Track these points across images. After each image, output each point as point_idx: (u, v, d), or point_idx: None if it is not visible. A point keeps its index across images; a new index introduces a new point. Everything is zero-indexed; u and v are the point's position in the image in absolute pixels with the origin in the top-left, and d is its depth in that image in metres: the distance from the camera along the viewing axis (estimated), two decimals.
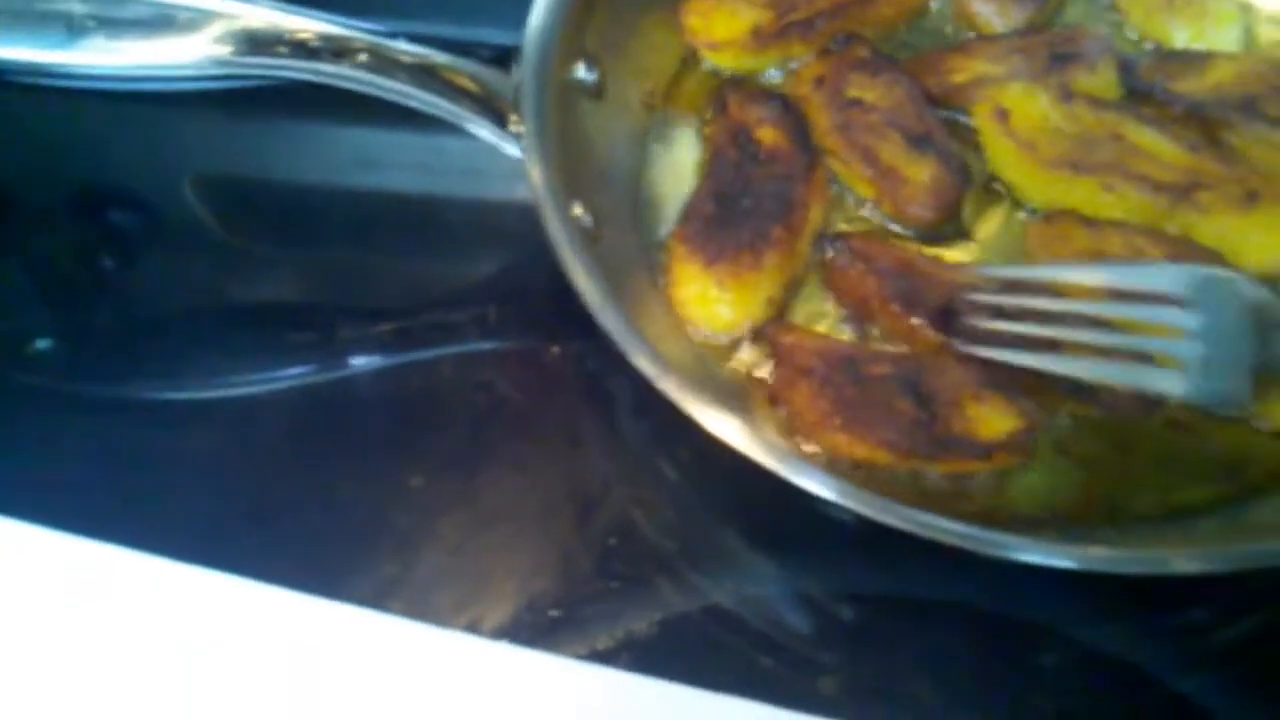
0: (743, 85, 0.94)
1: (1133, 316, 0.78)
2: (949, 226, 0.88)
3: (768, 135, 0.89)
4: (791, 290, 0.86)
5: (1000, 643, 0.78)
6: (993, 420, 0.75)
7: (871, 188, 0.88)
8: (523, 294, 0.92)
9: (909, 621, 0.78)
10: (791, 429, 0.79)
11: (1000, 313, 0.80)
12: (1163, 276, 0.78)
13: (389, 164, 1.01)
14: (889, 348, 0.82)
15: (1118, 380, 0.78)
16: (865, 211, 0.89)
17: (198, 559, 0.79)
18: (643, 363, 0.72)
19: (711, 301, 0.83)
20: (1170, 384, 0.77)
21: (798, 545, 0.80)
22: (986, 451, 0.74)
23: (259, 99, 0.96)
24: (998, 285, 0.82)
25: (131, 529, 0.80)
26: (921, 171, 0.87)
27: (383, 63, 0.84)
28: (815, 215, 0.87)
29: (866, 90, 0.91)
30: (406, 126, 0.86)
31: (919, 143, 0.88)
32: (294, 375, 0.90)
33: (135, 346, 0.93)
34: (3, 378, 0.91)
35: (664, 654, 0.76)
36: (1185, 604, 0.78)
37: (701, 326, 0.83)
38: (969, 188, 0.88)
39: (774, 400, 0.81)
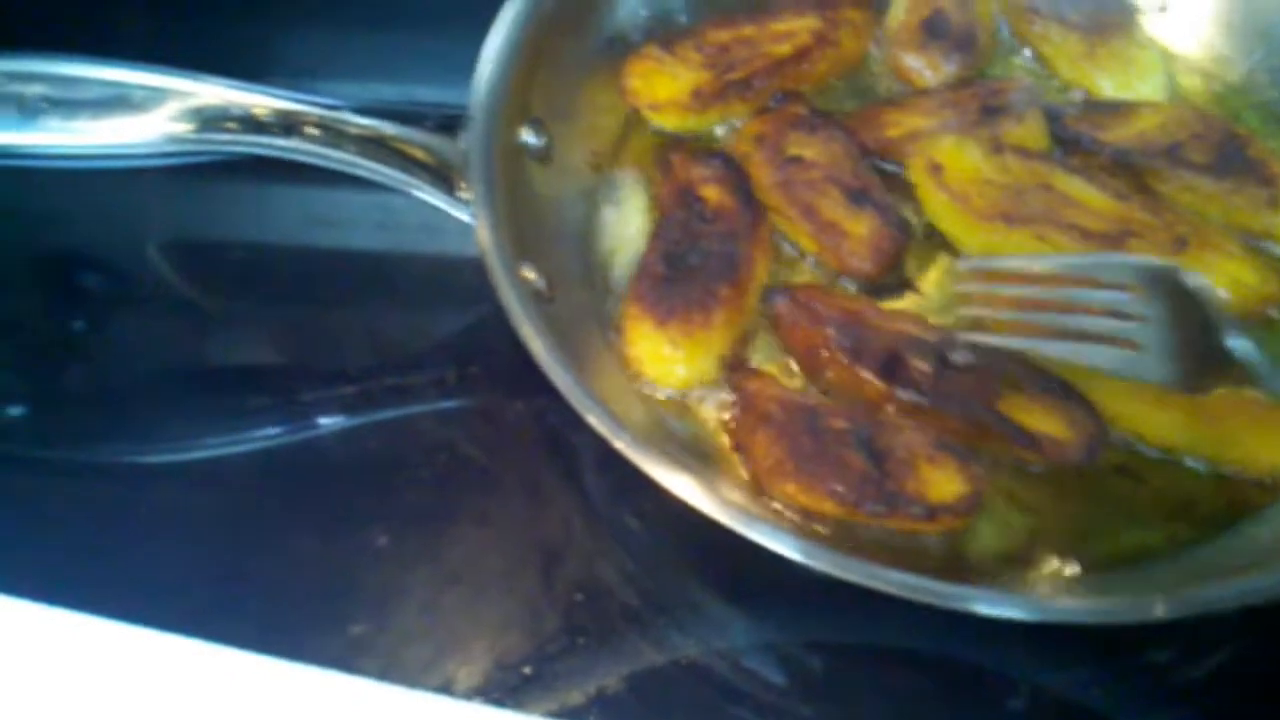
0: (685, 145, 0.97)
1: (1095, 302, 0.81)
2: (891, 278, 0.90)
3: (712, 193, 0.91)
4: (742, 344, 0.87)
5: (968, 691, 0.79)
6: (942, 482, 0.77)
7: (813, 242, 0.90)
8: (482, 352, 0.93)
9: (877, 670, 0.80)
10: (750, 475, 0.81)
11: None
12: (1118, 267, 0.81)
13: (346, 222, 1.03)
14: (837, 398, 0.84)
15: (1086, 361, 0.80)
16: (809, 264, 0.92)
17: (162, 624, 0.79)
18: (597, 422, 0.73)
19: (664, 360, 0.84)
20: (1136, 366, 0.79)
21: (764, 595, 0.81)
22: (931, 513, 0.76)
23: (218, 163, 0.96)
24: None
25: (96, 595, 0.80)
26: (860, 226, 0.89)
27: (332, 135, 0.86)
28: (761, 270, 0.89)
29: (805, 147, 0.93)
30: (361, 186, 0.87)
31: (857, 198, 0.90)
32: (259, 437, 0.91)
33: (103, 411, 0.93)
34: None
35: (636, 709, 0.77)
36: (1146, 645, 0.79)
37: (656, 384, 0.85)
38: (908, 240, 0.90)
39: (734, 445, 0.83)
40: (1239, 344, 0.76)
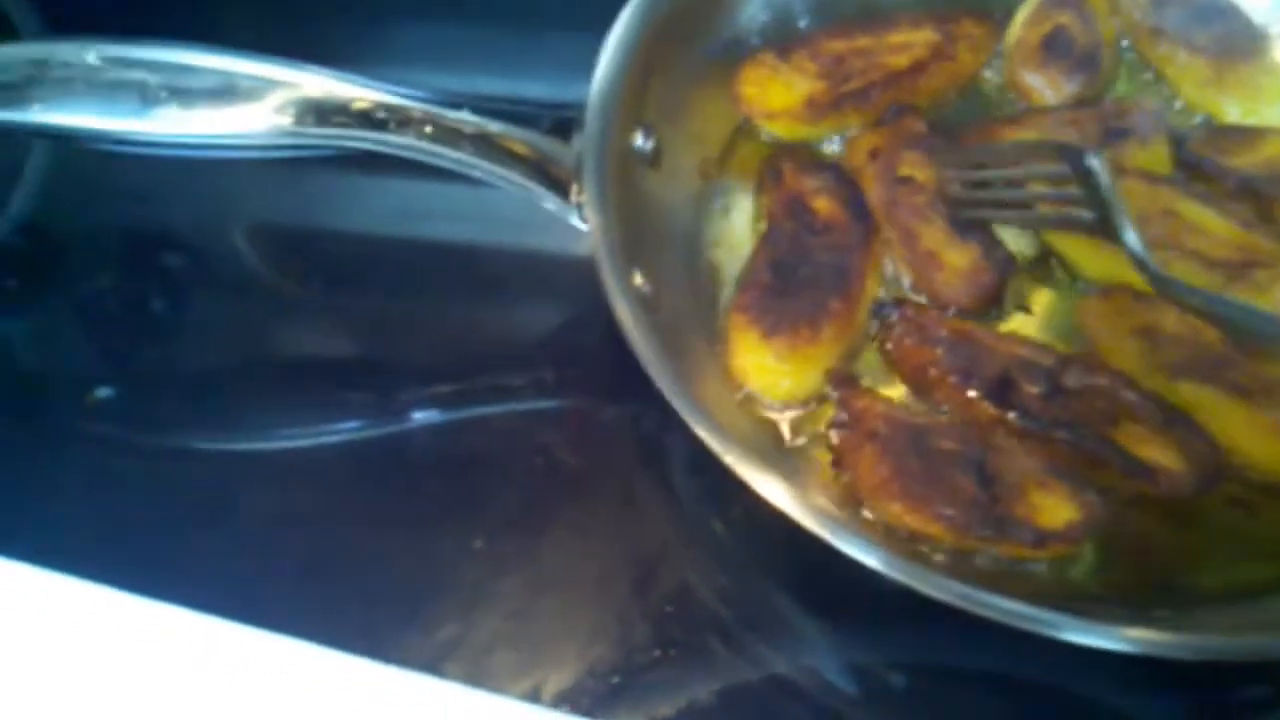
0: (796, 154, 0.95)
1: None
2: (991, 311, 0.88)
3: (823, 205, 0.90)
4: (849, 360, 0.86)
5: (1051, 717, 0.78)
6: (1053, 508, 0.76)
7: (909, 268, 0.89)
8: (578, 353, 0.93)
9: (966, 694, 0.79)
10: (852, 493, 0.80)
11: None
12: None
13: (440, 214, 1.03)
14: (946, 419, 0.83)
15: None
16: (906, 288, 0.90)
17: (251, 618, 0.79)
18: (703, 433, 0.73)
19: (769, 372, 0.83)
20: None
21: (855, 613, 0.80)
22: (1041, 539, 0.75)
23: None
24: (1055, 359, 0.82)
25: (184, 586, 0.81)
26: (960, 258, 0.88)
27: (444, 133, 0.85)
28: (871, 286, 0.88)
29: (918, 168, 0.92)
30: (454, 178, 0.86)
31: (962, 227, 0.89)
32: (350, 430, 0.91)
33: (194, 397, 0.94)
34: (65, 426, 0.93)
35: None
36: (1244, 681, 0.78)
37: (760, 396, 0.84)
38: (1008, 276, 0.88)
39: (837, 462, 0.81)
40: (1130, 237, 0.80)
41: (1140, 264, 0.80)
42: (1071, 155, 0.82)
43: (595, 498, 0.85)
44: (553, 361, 0.93)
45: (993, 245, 0.88)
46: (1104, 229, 0.82)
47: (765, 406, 0.84)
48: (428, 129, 0.85)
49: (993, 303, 0.87)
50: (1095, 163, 0.81)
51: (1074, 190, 0.83)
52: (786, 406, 0.84)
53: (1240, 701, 0.78)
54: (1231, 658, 0.69)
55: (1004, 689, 0.79)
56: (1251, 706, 0.78)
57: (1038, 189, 0.87)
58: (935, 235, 0.88)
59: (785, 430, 0.84)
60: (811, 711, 0.78)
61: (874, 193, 0.91)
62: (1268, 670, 0.76)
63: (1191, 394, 0.80)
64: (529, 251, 1.00)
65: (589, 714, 0.76)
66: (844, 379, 0.84)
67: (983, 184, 0.89)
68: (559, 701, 0.76)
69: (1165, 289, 0.80)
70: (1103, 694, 0.78)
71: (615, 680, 0.77)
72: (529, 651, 0.79)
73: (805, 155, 0.96)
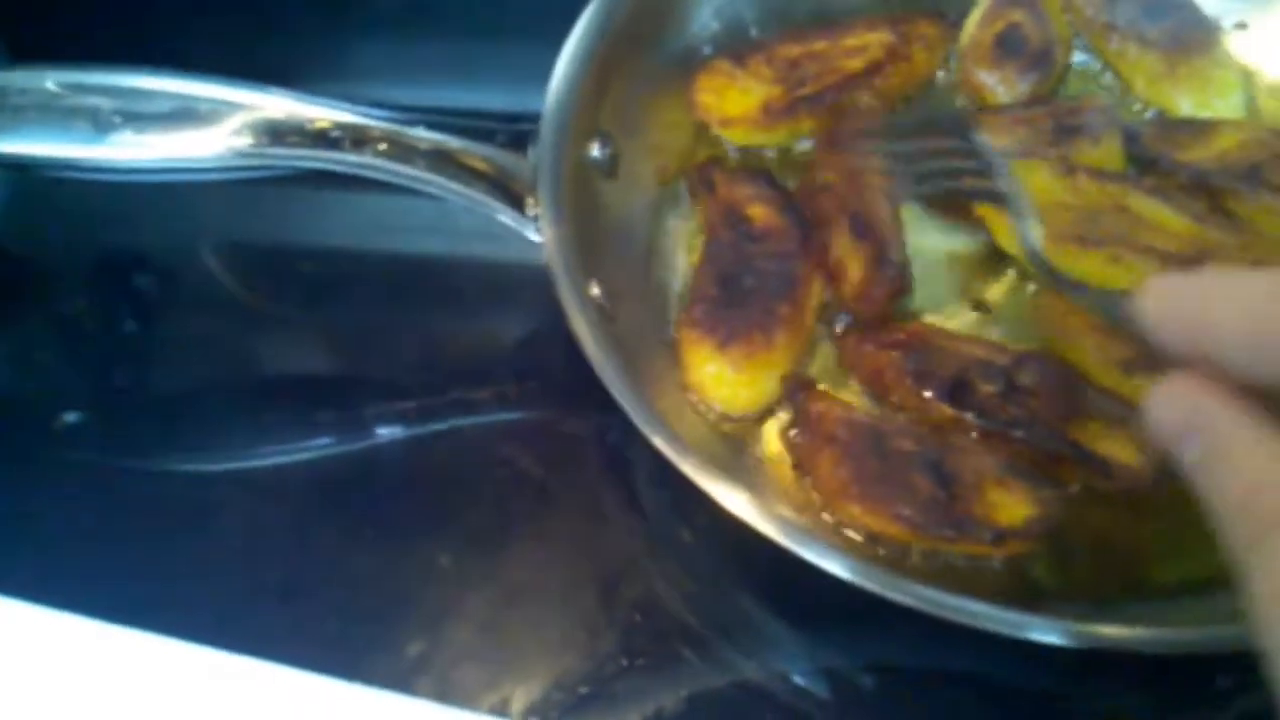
0: (724, 164, 0.96)
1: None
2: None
3: (758, 212, 0.90)
4: (803, 364, 0.87)
5: (1022, 716, 0.79)
6: (1011, 506, 0.76)
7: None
8: (542, 365, 0.94)
9: (939, 696, 0.79)
10: (813, 497, 0.80)
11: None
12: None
13: (407, 228, 1.03)
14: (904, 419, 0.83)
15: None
16: None
17: (219, 642, 0.80)
18: (660, 443, 0.73)
19: (727, 384, 0.84)
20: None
21: (825, 617, 0.80)
22: (1000, 536, 0.75)
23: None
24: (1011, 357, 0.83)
25: (149, 611, 0.81)
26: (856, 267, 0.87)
27: (400, 150, 0.86)
28: (818, 288, 0.88)
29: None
30: (424, 192, 0.87)
31: (861, 234, 0.88)
32: (317, 448, 0.91)
33: (159, 418, 0.94)
34: (32, 451, 0.93)
35: None
36: (1209, 672, 0.78)
37: (718, 408, 0.84)
38: (905, 292, 0.87)
39: (797, 467, 0.82)
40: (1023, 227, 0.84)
41: (1031, 253, 0.83)
42: (959, 128, 0.87)
43: (561, 509, 0.86)
44: (517, 374, 0.93)
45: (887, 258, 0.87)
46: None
47: (726, 417, 0.85)
48: (383, 146, 0.86)
49: (884, 315, 0.87)
50: (980, 139, 0.86)
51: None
52: (746, 416, 0.84)
53: (1204, 693, 0.78)
54: (1194, 650, 0.69)
55: (975, 689, 0.79)
56: (1216, 697, 0.78)
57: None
58: (841, 239, 0.88)
59: (746, 438, 0.84)
60: (782, 716, 0.78)
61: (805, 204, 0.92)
62: (1230, 660, 0.76)
63: (1146, 388, 0.80)
64: (495, 263, 1.00)
65: None
66: (801, 383, 0.85)
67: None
68: (528, 714, 0.77)
69: (1053, 281, 0.83)
70: (1073, 691, 0.79)
71: (584, 691, 0.78)
72: (497, 665, 0.79)
73: (735, 164, 0.96)
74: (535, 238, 0.83)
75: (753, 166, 0.96)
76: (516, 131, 0.87)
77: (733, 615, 0.82)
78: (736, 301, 0.86)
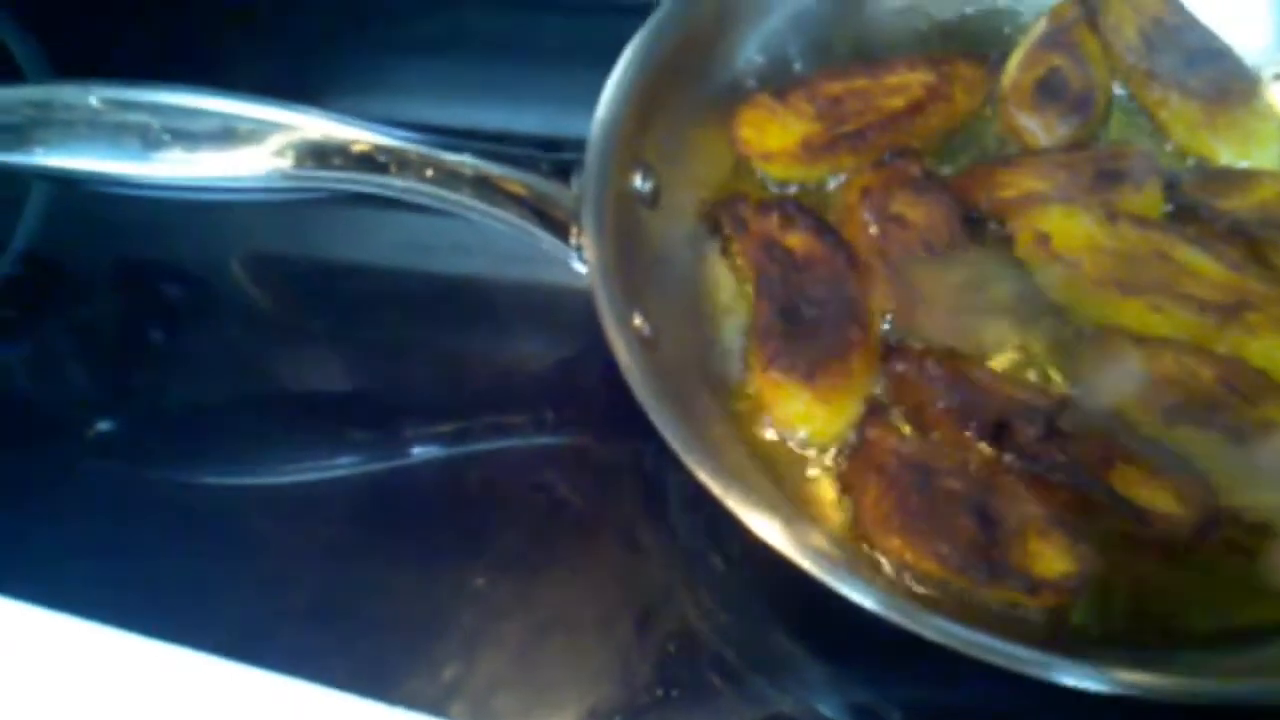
0: (748, 198, 0.96)
1: None
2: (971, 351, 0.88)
3: (795, 241, 0.91)
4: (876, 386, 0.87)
5: None
6: (1050, 558, 0.76)
7: (892, 302, 0.90)
8: (580, 391, 0.94)
9: None
10: (855, 523, 0.81)
11: None
12: None
13: (443, 248, 1.04)
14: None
15: None
16: (884, 324, 0.90)
17: (253, 659, 0.80)
18: (703, 475, 0.73)
19: (816, 418, 0.84)
20: None
21: (852, 649, 0.81)
22: (1035, 587, 0.75)
23: None
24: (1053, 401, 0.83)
25: (185, 626, 0.81)
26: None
27: (446, 176, 0.86)
28: (875, 303, 0.89)
29: (909, 207, 0.93)
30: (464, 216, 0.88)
31: (948, 267, 0.89)
32: (352, 465, 0.92)
33: (194, 432, 0.95)
34: (65, 459, 0.93)
35: None
36: None
37: (807, 440, 0.85)
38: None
39: (843, 489, 0.82)
40: None
41: None
42: None
43: (597, 536, 0.86)
44: (555, 399, 0.94)
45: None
46: None
47: (812, 448, 0.85)
48: (428, 172, 0.86)
49: (972, 343, 0.88)
50: None
51: None
52: (831, 444, 0.85)
53: None
54: (1227, 702, 0.69)
55: None
56: None
57: None
58: (920, 273, 0.89)
59: (788, 468, 0.84)
60: None
61: (862, 228, 0.92)
62: (1265, 714, 0.76)
63: (1186, 437, 0.81)
64: (531, 285, 1.00)
65: None
66: (877, 409, 0.85)
67: None
68: None
69: None
70: None
71: None
72: (531, 693, 0.79)
73: (759, 197, 0.96)
74: (579, 267, 0.83)
75: (777, 198, 0.97)
76: (559, 160, 0.88)
77: (766, 647, 0.82)
78: (804, 334, 0.86)
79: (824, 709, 0.80)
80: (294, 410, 0.96)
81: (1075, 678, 0.68)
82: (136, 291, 1.04)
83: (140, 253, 1.07)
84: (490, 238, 0.88)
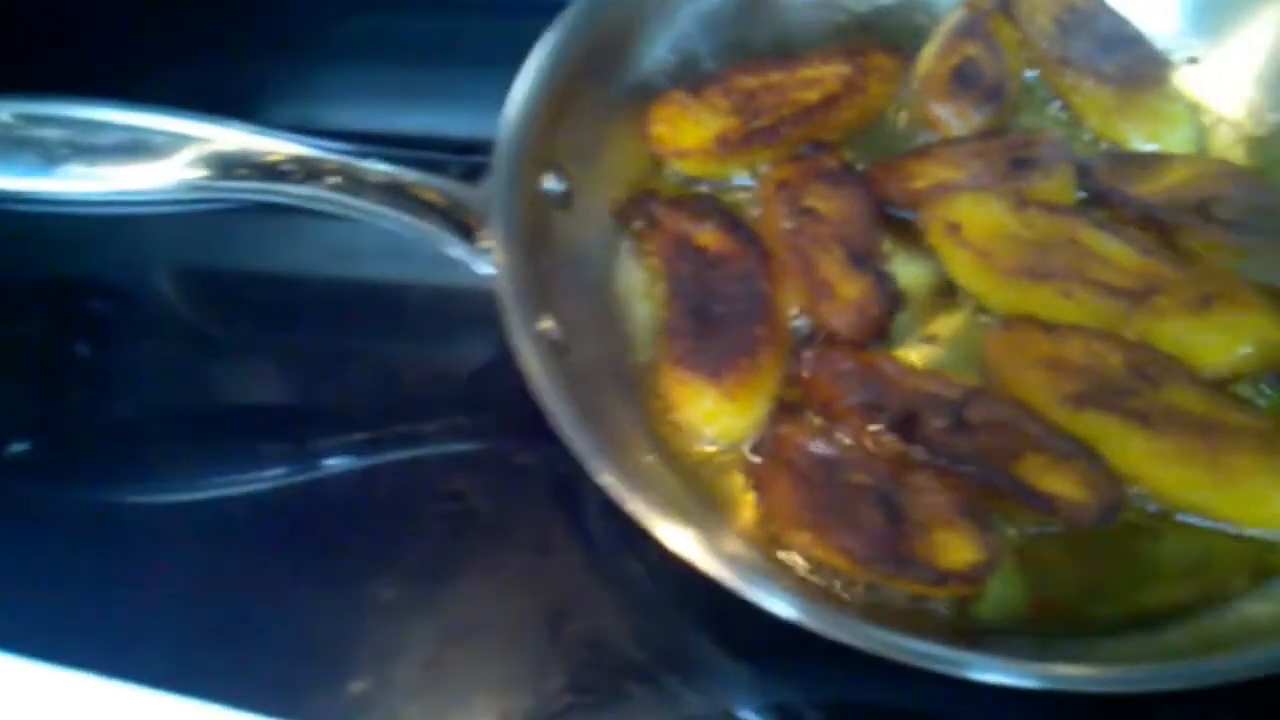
0: (657, 196, 0.95)
1: None
2: (876, 343, 0.88)
3: (709, 239, 0.91)
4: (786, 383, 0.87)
5: None
6: (955, 549, 0.76)
7: (804, 296, 0.89)
8: (493, 395, 0.93)
9: None
10: (765, 519, 0.80)
11: None
12: None
13: (362, 254, 1.02)
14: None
15: None
16: (797, 320, 0.90)
17: (157, 682, 0.79)
18: (608, 481, 0.73)
19: (723, 416, 0.84)
20: None
21: (771, 650, 0.80)
22: (941, 578, 0.75)
23: None
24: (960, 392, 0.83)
25: (88, 650, 0.81)
26: (851, 288, 0.88)
27: (352, 183, 0.86)
28: (785, 301, 0.89)
29: (823, 200, 0.92)
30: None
31: (857, 260, 0.89)
32: (265, 479, 0.91)
33: (106, 449, 0.94)
34: None
35: None
36: (1153, 706, 0.77)
37: (715, 439, 0.84)
38: (895, 310, 0.89)
39: (753, 485, 0.82)
40: None
41: None
42: None
43: (509, 543, 0.85)
44: (469, 405, 0.93)
45: (885, 279, 0.89)
46: None
47: (721, 447, 0.85)
48: (336, 179, 0.86)
49: (879, 336, 0.88)
50: None
51: None
52: (739, 443, 0.85)
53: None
54: (1138, 689, 0.69)
55: None
56: None
57: None
58: (831, 265, 0.89)
59: (700, 470, 0.84)
60: None
61: (776, 222, 0.92)
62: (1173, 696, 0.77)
63: (1094, 423, 0.81)
64: (452, 291, 0.99)
65: None
66: (786, 406, 0.85)
67: None
68: None
69: None
70: None
71: None
72: (441, 703, 0.79)
73: (671, 195, 0.96)
74: (487, 270, 0.83)
75: (689, 195, 0.96)
76: (470, 164, 0.87)
77: (682, 649, 0.82)
78: (713, 331, 0.86)
79: (742, 710, 0.79)
80: (208, 425, 0.95)
81: (990, 674, 0.69)
82: (54, 310, 1.03)
83: (60, 269, 1.06)
84: (409, 244, 0.87)
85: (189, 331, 1.01)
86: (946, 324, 0.91)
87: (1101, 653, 0.75)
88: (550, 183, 0.91)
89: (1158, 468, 0.80)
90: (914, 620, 0.76)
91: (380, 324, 1.00)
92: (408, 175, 0.87)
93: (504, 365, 0.80)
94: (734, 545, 0.79)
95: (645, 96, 0.99)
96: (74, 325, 1.01)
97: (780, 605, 0.70)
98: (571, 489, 0.87)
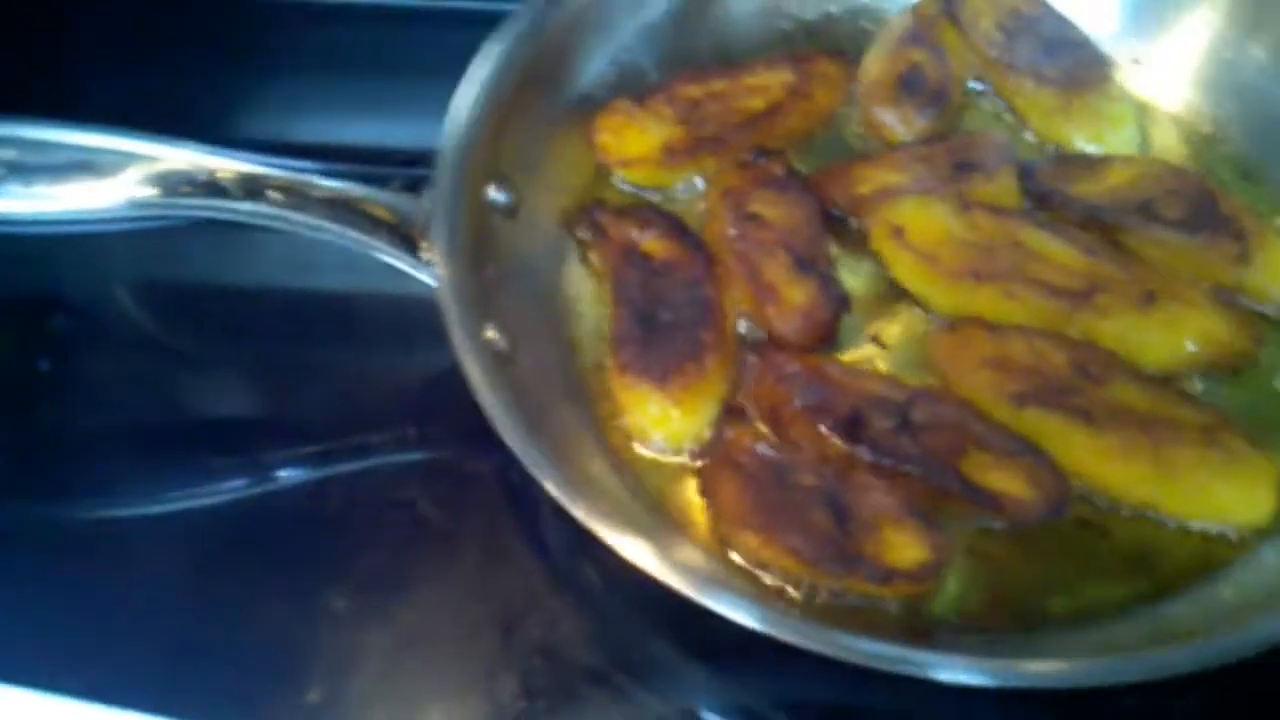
0: (604, 205, 0.96)
1: None
2: (824, 347, 0.89)
3: (654, 246, 0.91)
4: (735, 389, 0.87)
5: None
6: (902, 547, 0.77)
7: (749, 301, 0.90)
8: (444, 405, 0.91)
9: None
10: (714, 523, 0.81)
11: None
12: None
13: (315, 266, 1.02)
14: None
15: None
16: (741, 325, 0.91)
17: (113, 699, 0.79)
18: (554, 488, 0.73)
19: (671, 420, 0.84)
20: None
21: (732, 654, 0.80)
22: (888, 577, 0.75)
23: None
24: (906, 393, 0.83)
25: (40, 667, 0.80)
26: (797, 293, 0.88)
27: (296, 199, 0.86)
28: (731, 308, 0.89)
29: (768, 206, 0.93)
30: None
31: (803, 265, 0.89)
32: (219, 493, 0.90)
33: (57, 464, 0.93)
34: None
35: None
36: (1106, 698, 0.78)
37: (663, 444, 0.85)
38: (842, 313, 0.89)
39: (702, 490, 0.82)
40: None
41: None
42: None
43: (461, 552, 0.85)
44: (419, 415, 0.93)
45: (830, 283, 0.89)
46: None
47: (669, 453, 0.85)
48: (279, 195, 0.86)
49: (825, 339, 0.89)
50: None
51: None
52: (688, 448, 0.85)
53: (1115, 712, 0.78)
54: (1094, 683, 0.69)
55: None
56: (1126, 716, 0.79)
57: None
58: (777, 270, 0.89)
59: (649, 476, 0.84)
60: None
61: (721, 228, 0.92)
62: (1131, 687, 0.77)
63: (1038, 421, 0.82)
64: (402, 302, 0.96)
65: None
66: (734, 409, 0.85)
67: None
68: None
69: None
70: None
71: None
72: (396, 710, 0.79)
73: (619, 203, 0.97)
74: (429, 280, 0.83)
75: (635, 203, 0.97)
76: (414, 176, 0.87)
77: (637, 652, 0.82)
78: (659, 338, 0.86)
79: (701, 712, 0.80)
80: (160, 438, 0.95)
81: (945, 673, 0.69)
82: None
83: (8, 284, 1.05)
84: (359, 257, 0.87)
85: (142, 346, 1.00)
86: (892, 327, 0.91)
87: (1054, 648, 0.76)
88: (495, 193, 0.91)
89: (1102, 464, 0.81)
90: (866, 619, 0.76)
91: (334, 335, 1.00)
92: (352, 190, 0.87)
93: (452, 377, 0.80)
94: (684, 549, 0.80)
95: (590, 107, 0.99)
96: (21, 343, 1.00)
97: (729, 609, 0.70)
98: (523, 496, 0.87)
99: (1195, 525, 0.81)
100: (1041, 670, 0.72)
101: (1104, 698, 0.76)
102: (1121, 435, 0.81)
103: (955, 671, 0.69)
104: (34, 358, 0.99)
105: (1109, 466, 0.81)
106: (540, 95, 0.97)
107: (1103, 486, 0.81)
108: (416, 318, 0.93)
